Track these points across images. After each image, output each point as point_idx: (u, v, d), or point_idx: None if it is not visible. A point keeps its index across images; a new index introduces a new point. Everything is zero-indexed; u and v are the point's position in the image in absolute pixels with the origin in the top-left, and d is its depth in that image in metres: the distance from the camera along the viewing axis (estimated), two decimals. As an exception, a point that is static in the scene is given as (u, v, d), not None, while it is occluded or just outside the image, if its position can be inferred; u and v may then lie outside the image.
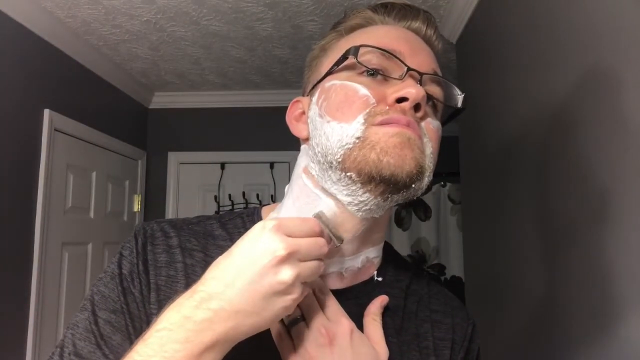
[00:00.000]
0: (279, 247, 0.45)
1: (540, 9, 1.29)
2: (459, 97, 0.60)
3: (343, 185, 0.53)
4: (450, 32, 2.14)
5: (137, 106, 3.18)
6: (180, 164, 3.32)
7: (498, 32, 1.63)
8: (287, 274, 0.45)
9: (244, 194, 3.14)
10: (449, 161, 2.76)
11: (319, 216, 0.54)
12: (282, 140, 2.93)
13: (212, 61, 2.70)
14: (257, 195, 3.16)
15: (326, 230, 0.52)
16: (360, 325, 0.55)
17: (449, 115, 0.63)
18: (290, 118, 0.64)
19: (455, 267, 3.00)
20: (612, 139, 0.94)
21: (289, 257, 0.45)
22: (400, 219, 3.27)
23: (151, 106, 3.34)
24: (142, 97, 3.20)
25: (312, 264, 0.47)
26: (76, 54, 2.41)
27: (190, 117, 3.33)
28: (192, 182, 3.31)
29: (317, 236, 0.49)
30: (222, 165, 3.29)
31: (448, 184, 3.18)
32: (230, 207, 3.14)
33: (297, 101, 0.64)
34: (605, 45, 0.97)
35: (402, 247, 2.93)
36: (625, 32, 0.90)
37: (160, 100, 3.32)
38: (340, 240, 0.54)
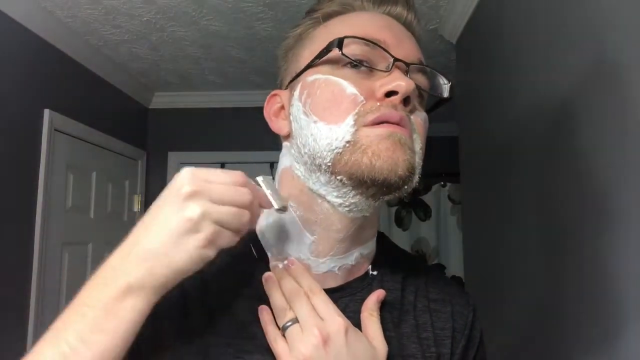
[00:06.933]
0: (185, 184, 0.45)
1: (540, 8, 1.29)
2: (445, 87, 0.58)
3: (333, 187, 0.52)
4: (450, 32, 2.14)
5: (137, 106, 3.18)
6: (180, 164, 3.31)
7: (498, 32, 1.63)
8: (192, 210, 0.44)
9: (244, 194, 3.14)
10: (449, 161, 2.77)
11: (262, 178, 0.53)
12: (282, 140, 2.93)
13: (212, 61, 2.70)
14: (257, 195, 3.16)
15: (265, 192, 0.52)
16: (358, 322, 0.54)
17: (433, 104, 0.60)
18: (269, 114, 0.61)
19: (455, 267, 3.00)
20: (613, 138, 0.94)
21: (196, 194, 0.45)
22: (400, 219, 3.27)
23: (151, 106, 3.34)
24: (142, 97, 3.20)
25: (229, 208, 0.46)
26: (76, 54, 2.40)
27: (190, 117, 3.32)
28: (192, 182, 3.30)
29: (240, 186, 0.48)
30: (222, 165, 3.28)
31: (448, 184, 3.18)
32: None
33: (275, 95, 0.62)
34: (607, 44, 0.97)
35: (402, 247, 2.92)
36: (627, 27, 0.90)
37: (160, 100, 3.32)
38: (282, 207, 0.53)
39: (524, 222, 1.38)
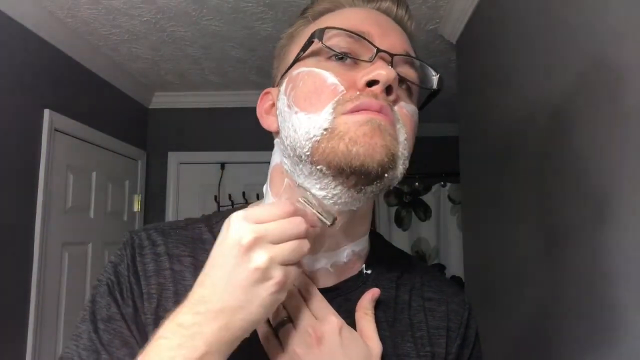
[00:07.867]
0: (244, 233, 0.44)
1: (540, 8, 1.29)
2: (434, 79, 0.57)
3: (315, 179, 0.52)
4: (450, 32, 2.14)
5: (137, 106, 3.18)
6: (180, 164, 3.32)
7: (498, 32, 1.63)
8: (259, 259, 0.43)
9: (244, 194, 3.14)
10: (449, 161, 2.77)
11: (303, 197, 0.52)
12: (282, 140, 2.93)
13: (212, 61, 2.70)
14: (257, 196, 3.16)
15: (311, 211, 0.51)
16: (353, 322, 0.54)
17: (425, 98, 0.60)
18: (260, 111, 0.62)
19: (455, 267, 3.01)
20: (614, 137, 0.94)
21: (257, 242, 0.44)
22: (400, 219, 3.27)
23: (151, 106, 3.34)
24: (142, 97, 3.20)
25: (290, 244, 0.45)
26: (76, 54, 2.40)
27: (190, 117, 3.32)
28: (192, 182, 3.30)
29: (291, 216, 0.47)
30: (222, 165, 3.29)
31: (448, 184, 3.18)
32: (230, 208, 3.14)
33: (267, 92, 0.62)
34: (606, 43, 0.97)
35: (402, 247, 2.91)
36: (627, 27, 0.90)
37: (160, 100, 3.32)
38: (332, 218, 0.51)
39: (524, 222, 1.38)
